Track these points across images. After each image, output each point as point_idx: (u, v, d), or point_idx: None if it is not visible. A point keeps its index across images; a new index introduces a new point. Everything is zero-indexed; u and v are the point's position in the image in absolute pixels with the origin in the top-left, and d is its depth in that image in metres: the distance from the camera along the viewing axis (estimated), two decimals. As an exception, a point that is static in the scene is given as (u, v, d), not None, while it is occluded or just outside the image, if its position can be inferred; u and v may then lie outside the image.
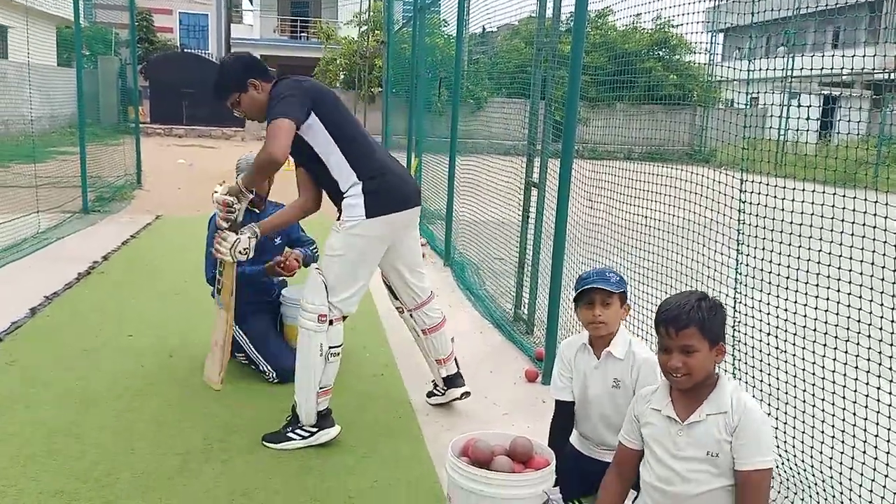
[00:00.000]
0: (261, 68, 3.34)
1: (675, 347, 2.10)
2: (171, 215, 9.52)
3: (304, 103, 3.16)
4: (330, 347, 3.28)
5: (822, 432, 2.91)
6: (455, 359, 3.87)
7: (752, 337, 3.30)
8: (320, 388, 3.31)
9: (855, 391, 2.80)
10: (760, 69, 3.85)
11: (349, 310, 3.34)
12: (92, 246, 7.24)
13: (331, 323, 3.26)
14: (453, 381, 3.84)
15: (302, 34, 36.09)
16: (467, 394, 3.82)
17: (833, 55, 3.39)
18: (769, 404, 3.17)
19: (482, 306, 5.82)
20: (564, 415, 2.74)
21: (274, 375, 4.08)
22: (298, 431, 3.34)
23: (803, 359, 3.04)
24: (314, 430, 3.33)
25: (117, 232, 8.08)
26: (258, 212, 4.23)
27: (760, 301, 3.30)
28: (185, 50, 32.08)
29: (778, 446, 3.10)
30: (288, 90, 3.18)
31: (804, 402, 3.01)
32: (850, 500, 2.75)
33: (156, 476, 3.03)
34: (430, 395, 3.96)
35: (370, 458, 3.29)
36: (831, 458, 2.84)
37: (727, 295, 3.33)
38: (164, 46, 32.23)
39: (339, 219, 3.28)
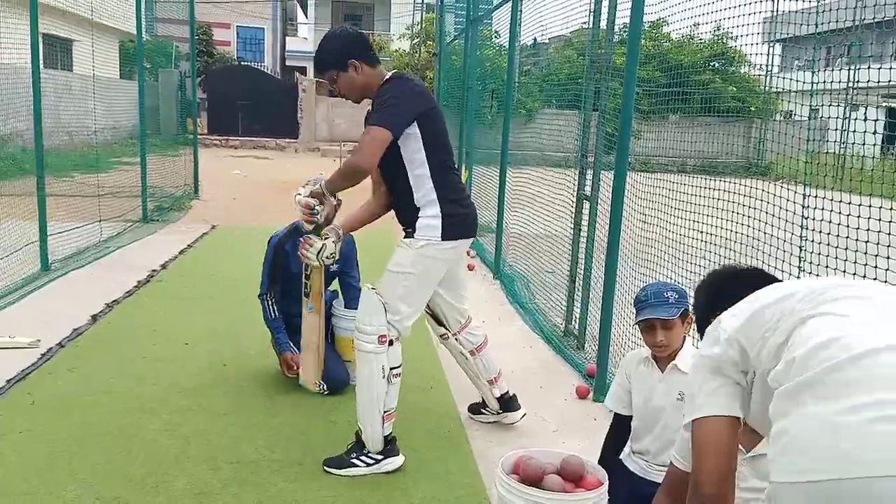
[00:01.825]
0: (364, 48, 3.21)
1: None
2: (227, 225, 9.70)
3: (409, 113, 3.09)
4: (391, 368, 3.21)
5: None
6: (504, 379, 3.82)
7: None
8: (385, 412, 3.23)
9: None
10: (820, 81, 3.75)
11: (407, 332, 3.28)
12: (150, 255, 7.42)
13: (391, 343, 3.19)
14: (510, 404, 3.78)
15: (355, 46, 36.55)
16: (524, 415, 3.79)
17: (891, 67, 3.27)
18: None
19: (532, 320, 5.77)
20: (621, 429, 2.72)
21: (325, 387, 4.10)
22: (364, 458, 3.24)
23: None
24: (379, 457, 3.24)
25: (175, 241, 8.26)
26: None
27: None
28: (242, 63, 32.77)
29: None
30: (397, 95, 3.09)
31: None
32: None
33: (208, 485, 3.08)
34: (474, 410, 3.90)
35: (419, 473, 3.28)
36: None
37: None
38: (223, 59, 33.00)
39: (407, 236, 3.24)
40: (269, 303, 4.21)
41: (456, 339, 3.71)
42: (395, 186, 3.32)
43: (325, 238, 3.26)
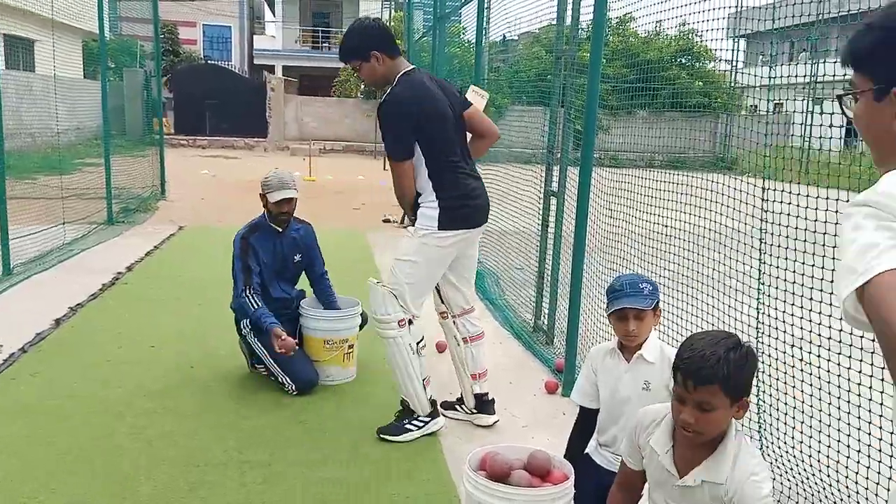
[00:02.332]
0: (387, 41, 3.45)
1: (690, 401, 1.89)
2: (195, 226, 9.60)
3: (408, 134, 3.37)
4: (416, 343, 3.53)
5: (848, 446, 2.85)
6: (487, 382, 3.85)
7: (776, 349, 3.24)
8: (423, 380, 3.56)
9: (881, 404, 2.74)
10: (783, 76, 3.81)
11: (418, 311, 3.55)
12: (115, 257, 7.32)
13: (410, 322, 3.49)
14: (486, 406, 3.82)
15: (324, 45, 36.34)
16: (497, 421, 3.81)
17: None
18: (793, 417, 3.12)
19: (502, 316, 5.79)
20: (587, 423, 2.74)
21: (293, 388, 4.08)
22: (415, 423, 3.56)
23: (828, 371, 2.99)
24: (427, 419, 3.58)
25: (141, 243, 8.15)
26: (281, 230, 4.28)
27: (784, 311, 3.24)
28: (209, 61, 32.43)
29: (803, 460, 3.05)
30: (392, 121, 3.37)
31: (829, 415, 2.96)
32: (878, 515, 2.69)
33: (175, 488, 3.04)
34: (447, 406, 3.92)
35: (388, 471, 3.28)
36: (857, 473, 2.78)
37: (749, 305, 3.29)
38: (189, 58, 32.62)
39: (412, 224, 3.52)
40: (250, 296, 4.13)
41: (454, 322, 3.80)
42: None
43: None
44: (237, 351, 4.47)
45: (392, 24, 23.35)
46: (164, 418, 3.71)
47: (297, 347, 4.05)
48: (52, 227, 7.83)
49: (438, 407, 3.71)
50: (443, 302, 3.82)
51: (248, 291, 4.15)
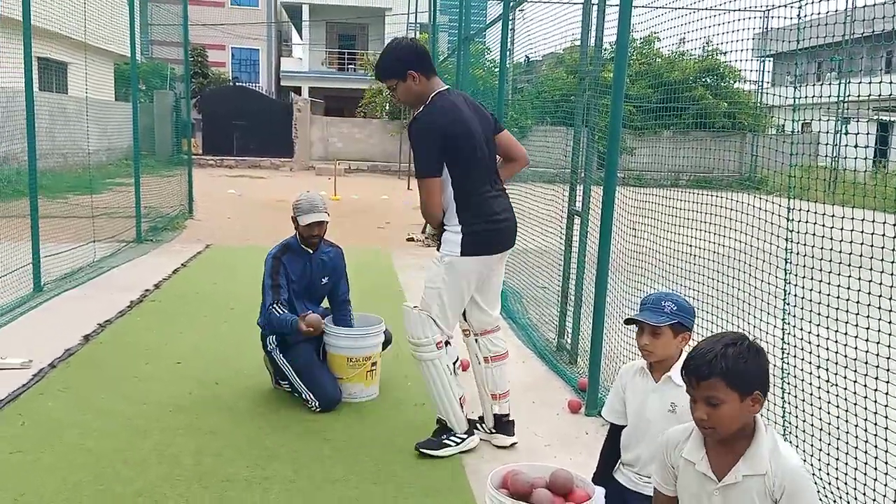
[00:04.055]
0: (424, 61, 3.51)
1: (699, 398, 1.96)
2: (221, 244, 9.72)
3: (437, 154, 3.41)
4: (453, 363, 3.65)
5: (875, 469, 2.81)
6: (509, 403, 3.84)
7: (802, 370, 3.21)
8: (460, 398, 3.63)
9: (910, 427, 2.70)
10: (810, 95, 3.79)
11: (452, 332, 3.66)
12: (144, 275, 7.43)
13: (447, 344, 3.59)
14: (505, 427, 3.80)
15: (350, 66, 36.76)
16: (515, 443, 3.78)
17: (881, 81, 3.32)
18: (819, 439, 3.08)
19: (525, 335, 5.78)
20: (616, 440, 2.75)
21: (317, 405, 4.10)
22: (453, 438, 3.61)
23: (855, 392, 2.95)
24: (465, 436, 3.63)
25: (168, 261, 8.27)
26: (311, 252, 4.33)
27: (810, 332, 3.21)
28: (237, 83, 32.94)
29: (829, 483, 3.00)
30: (423, 138, 3.41)
31: (856, 437, 2.91)
32: (908, 541, 2.64)
33: None
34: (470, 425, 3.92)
35: (411, 489, 3.27)
36: (885, 496, 2.73)
37: (775, 326, 3.26)
38: (217, 80, 33.16)
39: (438, 249, 3.58)
40: (278, 309, 4.17)
41: (476, 341, 3.80)
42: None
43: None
44: (262, 368, 4.51)
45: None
46: (187, 435, 3.75)
47: (322, 323, 4.17)
48: (83, 245, 7.97)
49: (477, 426, 3.79)
50: (465, 320, 3.82)
51: (276, 305, 4.20)
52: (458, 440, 3.62)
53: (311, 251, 4.36)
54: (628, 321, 2.65)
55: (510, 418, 3.81)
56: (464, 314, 3.80)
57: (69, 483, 3.19)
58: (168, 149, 19.05)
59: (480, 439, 3.81)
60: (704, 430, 1.99)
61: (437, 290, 3.50)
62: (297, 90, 34.63)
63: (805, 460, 3.16)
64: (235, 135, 27.04)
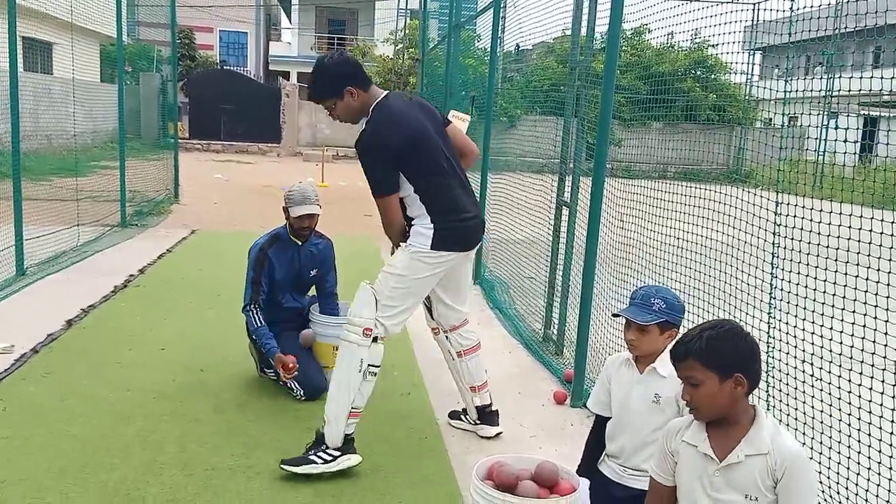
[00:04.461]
0: (359, 74, 3.35)
1: (682, 379, 2.06)
2: (207, 230, 9.65)
3: (391, 169, 3.28)
4: (370, 365, 3.27)
5: (858, 463, 2.83)
6: (489, 392, 3.81)
7: (787, 363, 3.22)
8: (352, 409, 3.27)
9: (892, 421, 2.72)
10: (798, 90, 3.80)
11: (394, 330, 3.37)
12: (129, 259, 7.37)
13: (375, 340, 3.28)
14: (489, 417, 3.78)
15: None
16: (500, 433, 3.77)
17: (872, 76, 3.32)
18: (804, 433, 3.10)
19: (511, 325, 5.78)
20: (602, 432, 2.75)
21: (302, 393, 4.09)
22: (322, 455, 3.24)
23: (839, 387, 2.97)
24: (337, 454, 3.25)
25: (154, 246, 8.20)
26: (301, 243, 4.29)
27: (795, 326, 3.22)
28: (225, 67, 32.64)
29: (813, 477, 3.02)
30: (373, 156, 3.27)
31: (840, 431, 2.93)
32: (888, 534, 2.66)
33: (182, 492, 3.05)
34: (454, 416, 3.92)
35: (395, 479, 3.27)
36: (867, 490, 2.75)
37: (761, 319, 3.27)
38: (205, 63, 32.85)
39: (405, 241, 3.37)
40: (254, 312, 4.16)
41: (446, 337, 3.75)
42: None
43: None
44: (247, 355, 4.49)
45: (407, 32, 23.44)
46: (172, 422, 3.72)
47: (297, 365, 4.02)
48: (66, 228, 7.89)
49: (355, 445, 3.34)
50: (433, 318, 3.75)
51: (252, 307, 4.17)
52: (328, 457, 3.23)
53: (301, 242, 4.32)
54: (616, 315, 2.65)
55: (493, 408, 3.80)
56: (430, 312, 3.74)
57: (52, 469, 3.16)
58: (154, 132, 18.86)
59: (465, 430, 3.81)
60: (692, 413, 2.07)
61: (395, 276, 3.30)
62: (286, 75, 34.39)
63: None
64: (223, 119, 26.81)
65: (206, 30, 34.84)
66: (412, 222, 3.37)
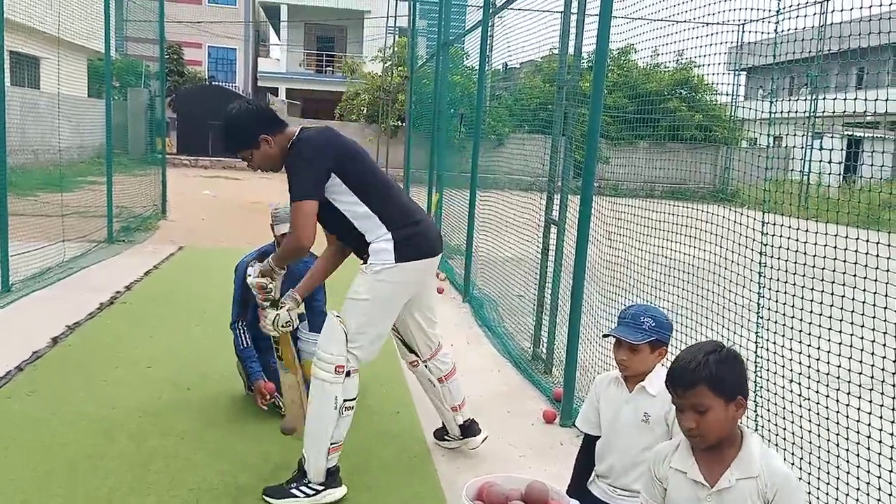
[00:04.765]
0: (270, 120, 3.22)
1: (686, 406, 2.01)
2: (194, 246, 9.61)
3: (319, 172, 3.09)
4: (345, 401, 3.15)
5: (847, 483, 2.84)
6: (467, 407, 3.80)
7: (775, 383, 3.24)
8: (332, 444, 3.16)
9: (880, 441, 2.73)
10: (783, 110, 3.84)
11: (367, 358, 3.22)
12: (115, 276, 7.32)
13: (348, 374, 3.14)
14: (470, 429, 3.75)
15: (328, 68, 36.65)
16: (486, 438, 3.76)
17: (856, 98, 3.37)
18: (792, 453, 3.11)
19: (500, 343, 5.78)
20: (591, 451, 2.74)
21: (290, 411, 4.06)
22: (303, 489, 3.15)
23: (827, 407, 2.98)
24: (321, 488, 3.16)
25: (140, 262, 8.16)
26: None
27: (783, 346, 3.24)
28: (213, 83, 32.66)
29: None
30: (303, 159, 3.10)
31: (828, 451, 2.94)
32: (876, 554, 2.67)
33: (168, 512, 3.02)
34: (440, 437, 3.88)
35: (385, 499, 3.25)
36: (856, 511, 2.76)
37: (748, 339, 3.29)
38: (193, 79, 32.85)
39: (364, 262, 3.21)
40: (241, 331, 4.15)
41: (425, 366, 3.69)
42: (341, 233, 3.34)
43: (282, 307, 3.37)
44: (234, 373, 4.46)
45: (396, 49, 23.57)
46: (157, 440, 3.69)
47: (274, 396, 4.02)
48: (52, 244, 7.84)
49: (340, 476, 3.24)
50: (410, 350, 3.65)
51: (239, 325, 4.16)
52: (311, 491, 3.14)
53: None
54: (607, 335, 2.66)
55: (470, 418, 3.76)
56: (406, 345, 3.64)
57: (36, 488, 3.12)
58: (141, 147, 18.79)
59: (452, 448, 3.80)
60: (693, 440, 2.03)
61: (360, 302, 3.12)
62: (275, 91, 34.44)
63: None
64: (211, 135, 26.77)
65: (195, 45, 34.90)
66: (367, 242, 3.19)
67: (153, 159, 13.80)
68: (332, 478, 3.19)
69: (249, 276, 3.46)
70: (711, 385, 1.97)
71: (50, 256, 7.55)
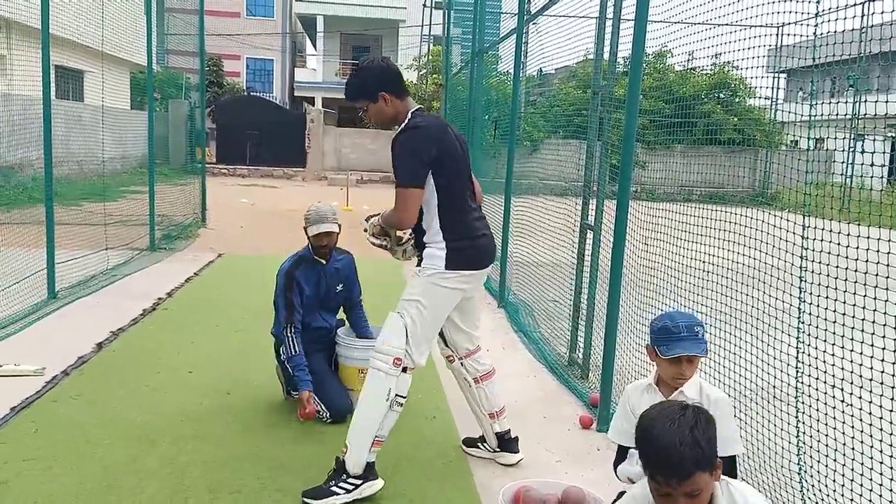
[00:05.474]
0: (396, 83, 3.37)
1: (678, 494, 1.85)
2: (233, 253, 9.75)
3: (425, 165, 3.23)
4: (397, 395, 3.23)
5: (892, 490, 2.78)
6: (507, 418, 3.78)
7: (816, 389, 3.18)
8: (376, 437, 3.23)
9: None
10: (823, 113, 3.78)
11: (420, 361, 3.31)
12: (157, 283, 7.46)
13: (404, 370, 3.24)
14: (509, 445, 3.74)
15: (363, 77, 36.93)
16: (521, 459, 3.73)
17: (899, 99, 3.31)
18: (834, 459, 3.05)
19: (536, 349, 5.77)
20: (627, 458, 2.71)
21: (328, 415, 4.10)
22: (343, 485, 3.22)
23: (870, 413, 2.92)
24: (359, 482, 3.22)
25: (181, 269, 8.31)
26: (324, 262, 4.35)
27: (825, 351, 3.19)
28: (251, 93, 33.15)
29: (844, 504, 2.97)
30: (411, 148, 3.23)
31: (871, 458, 2.88)
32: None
33: (209, 514, 3.07)
34: (470, 443, 3.86)
35: (421, 503, 3.26)
36: (902, 519, 2.70)
37: (789, 344, 3.24)
38: (232, 90, 33.39)
39: (418, 264, 3.38)
40: (291, 337, 4.19)
41: (461, 364, 3.72)
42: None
43: (405, 243, 3.59)
44: (273, 378, 4.52)
45: (430, 58, 23.68)
46: (198, 444, 3.75)
47: (316, 412, 4.10)
48: (96, 252, 8.03)
49: (376, 470, 3.32)
50: (447, 346, 3.72)
51: (289, 330, 4.20)
52: (350, 486, 3.21)
53: (324, 261, 4.38)
54: (675, 357, 2.54)
55: (512, 435, 3.75)
56: (444, 340, 3.70)
57: (80, 492, 3.20)
58: (182, 157, 19.18)
59: (484, 458, 3.78)
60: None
61: (415, 302, 3.28)
62: (311, 101, 34.83)
63: (820, 481, 3.13)
64: (249, 144, 27.21)
65: (234, 57, 35.50)
66: (425, 244, 3.36)
67: (193, 169, 14.07)
68: (369, 470, 3.26)
69: (367, 230, 3.64)
70: (703, 466, 1.85)
71: (94, 264, 7.74)
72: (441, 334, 3.69)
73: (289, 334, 4.19)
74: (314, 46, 39.39)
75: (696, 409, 1.93)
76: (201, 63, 12.49)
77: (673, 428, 1.84)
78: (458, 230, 3.34)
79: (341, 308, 4.59)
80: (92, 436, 3.78)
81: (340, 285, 4.47)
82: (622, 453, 2.75)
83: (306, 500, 3.21)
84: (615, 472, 2.78)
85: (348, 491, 3.21)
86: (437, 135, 3.29)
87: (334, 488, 3.22)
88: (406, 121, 3.32)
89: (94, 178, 13.84)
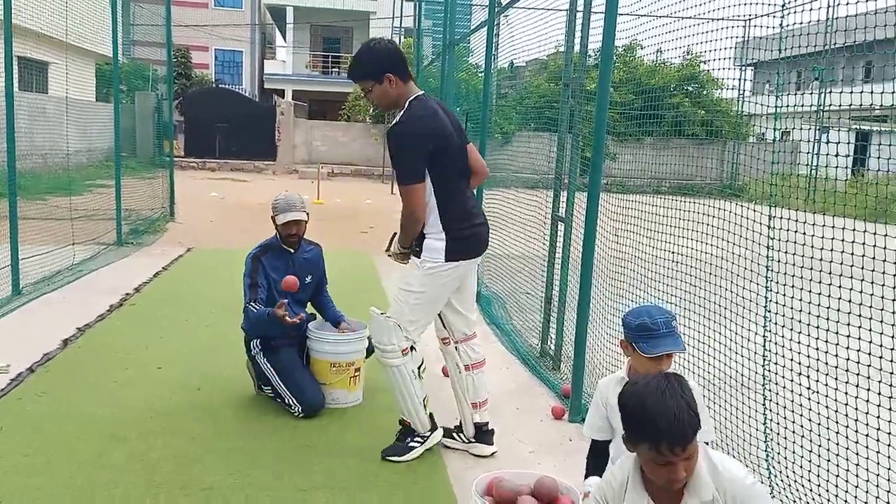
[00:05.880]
0: (401, 64, 3.40)
1: (681, 460, 1.88)
2: (202, 247, 9.65)
3: (423, 159, 3.33)
4: (417, 367, 3.57)
5: (857, 476, 2.83)
6: (487, 411, 3.80)
7: (783, 377, 3.24)
8: (423, 401, 3.59)
9: (889, 434, 2.73)
10: (789, 105, 3.83)
11: (418, 337, 3.58)
12: (124, 278, 7.36)
13: (412, 349, 3.53)
14: (485, 437, 3.76)
15: (333, 69, 36.69)
16: (494, 452, 3.75)
17: (863, 91, 3.36)
18: (801, 446, 3.10)
19: (508, 341, 5.79)
20: (600, 452, 2.73)
21: (300, 410, 4.08)
22: (417, 439, 3.61)
23: (836, 399, 2.98)
24: (428, 434, 3.63)
25: (149, 264, 8.20)
26: (293, 252, 4.32)
27: (791, 340, 3.24)
28: (220, 85, 32.76)
29: (811, 489, 3.03)
30: (410, 144, 3.32)
31: (837, 444, 2.94)
32: (887, 547, 2.67)
33: (180, 510, 3.04)
34: (446, 434, 3.86)
35: (394, 496, 3.26)
36: (865, 503, 2.76)
37: (756, 333, 3.29)
38: (200, 82, 32.96)
39: (416, 255, 3.50)
40: (253, 307, 4.18)
41: (455, 348, 3.76)
42: None
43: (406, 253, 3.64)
44: (244, 373, 4.48)
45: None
46: (168, 440, 3.71)
47: (298, 284, 4.15)
48: (62, 247, 7.89)
49: (454, 434, 3.79)
50: (445, 328, 3.78)
51: (253, 304, 4.20)
52: (422, 439, 3.63)
53: (293, 251, 4.35)
54: (656, 356, 2.52)
55: (489, 427, 3.78)
56: (443, 322, 3.76)
57: (47, 489, 3.15)
58: (149, 150, 18.88)
59: (457, 448, 3.79)
60: (675, 485, 1.92)
61: (413, 294, 3.45)
62: (281, 93, 34.51)
63: (787, 467, 3.19)
64: (218, 137, 26.89)
65: (202, 49, 35.02)
66: (424, 234, 3.45)
67: (161, 162, 13.87)
68: (431, 422, 3.67)
69: (390, 252, 3.71)
70: (697, 428, 1.89)
71: (59, 259, 7.60)
72: (439, 317, 3.76)
73: (252, 305, 4.17)
74: (284, 38, 39.02)
75: (675, 377, 1.97)
76: (168, 54, 12.31)
77: (666, 398, 1.87)
78: (456, 219, 3.44)
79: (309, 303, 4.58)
80: (59, 433, 3.72)
81: (310, 276, 4.44)
82: (596, 447, 2.75)
83: (390, 458, 3.56)
84: (586, 468, 2.78)
85: (422, 443, 3.62)
86: (432, 125, 3.36)
87: (411, 444, 3.61)
88: (405, 108, 3.38)
89: (59, 171, 13.59)
